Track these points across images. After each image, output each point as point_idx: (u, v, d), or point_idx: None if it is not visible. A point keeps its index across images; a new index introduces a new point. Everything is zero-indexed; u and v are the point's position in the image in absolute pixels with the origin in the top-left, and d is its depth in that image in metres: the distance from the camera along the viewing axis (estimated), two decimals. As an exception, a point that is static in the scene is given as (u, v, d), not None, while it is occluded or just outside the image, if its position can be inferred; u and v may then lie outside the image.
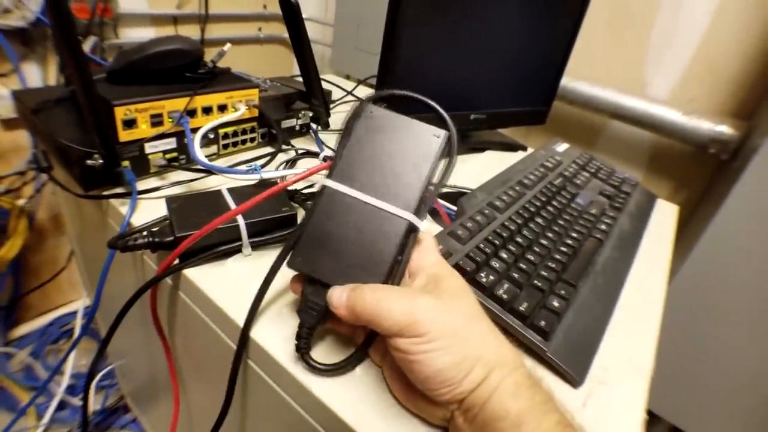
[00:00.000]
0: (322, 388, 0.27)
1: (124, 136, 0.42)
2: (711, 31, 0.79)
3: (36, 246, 1.01)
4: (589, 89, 0.85)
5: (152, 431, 0.85)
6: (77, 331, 1.04)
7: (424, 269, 0.27)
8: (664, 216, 0.59)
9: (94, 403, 0.93)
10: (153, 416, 0.80)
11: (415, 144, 0.28)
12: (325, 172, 0.29)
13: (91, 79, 0.36)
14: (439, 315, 0.23)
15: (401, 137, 0.28)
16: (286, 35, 0.55)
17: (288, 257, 0.27)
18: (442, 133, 0.28)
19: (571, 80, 0.87)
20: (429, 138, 0.28)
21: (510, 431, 0.21)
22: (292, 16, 0.51)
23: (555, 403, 0.23)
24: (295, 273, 0.28)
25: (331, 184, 0.27)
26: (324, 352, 0.29)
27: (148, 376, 0.69)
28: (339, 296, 0.25)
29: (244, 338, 0.30)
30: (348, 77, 1.10)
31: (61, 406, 0.92)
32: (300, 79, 0.60)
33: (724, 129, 0.75)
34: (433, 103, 0.30)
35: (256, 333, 0.30)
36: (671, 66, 0.84)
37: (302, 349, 0.27)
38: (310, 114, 0.60)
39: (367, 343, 0.28)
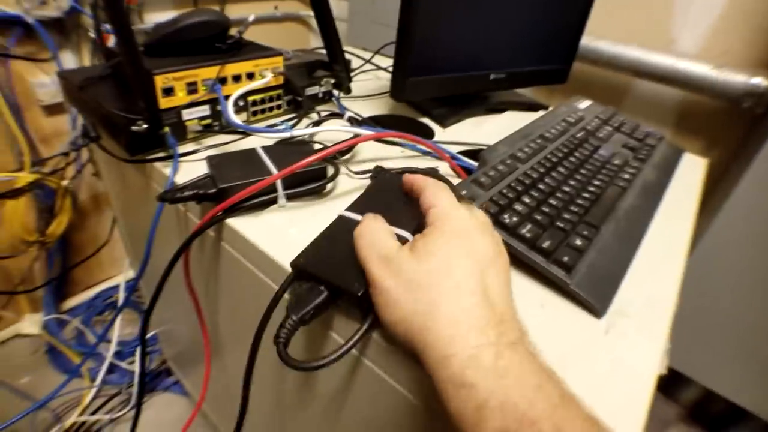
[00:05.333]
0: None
1: (164, 103, 0.45)
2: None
3: (79, 224, 1.08)
4: (612, 47, 0.83)
5: (194, 391, 0.91)
6: (121, 302, 1.11)
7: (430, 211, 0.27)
8: (692, 169, 0.58)
9: (138, 368, 1.01)
10: (194, 378, 0.87)
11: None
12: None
13: (137, 48, 0.38)
14: (395, 281, 0.23)
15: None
16: (302, 12, 0.56)
17: (295, 258, 0.29)
18: None
19: (593, 39, 0.85)
20: None
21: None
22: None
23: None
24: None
25: (343, 213, 0.31)
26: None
27: (188, 340, 0.74)
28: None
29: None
30: (365, 50, 1.10)
31: (111, 369, 1.00)
32: (319, 51, 0.62)
33: (760, 81, 0.72)
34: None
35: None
36: (700, 18, 0.81)
37: (280, 339, 0.26)
38: (332, 81, 0.61)
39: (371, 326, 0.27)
